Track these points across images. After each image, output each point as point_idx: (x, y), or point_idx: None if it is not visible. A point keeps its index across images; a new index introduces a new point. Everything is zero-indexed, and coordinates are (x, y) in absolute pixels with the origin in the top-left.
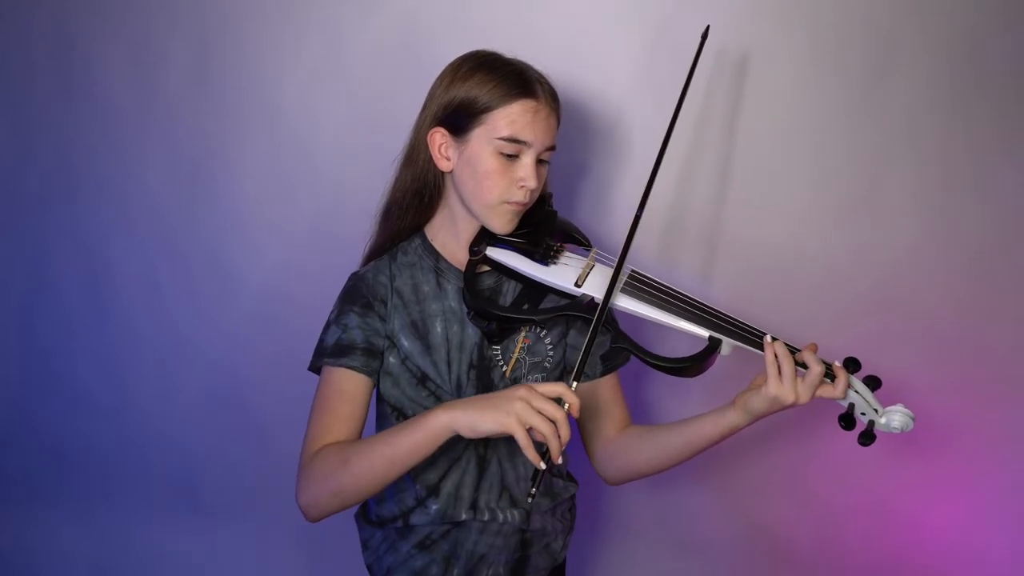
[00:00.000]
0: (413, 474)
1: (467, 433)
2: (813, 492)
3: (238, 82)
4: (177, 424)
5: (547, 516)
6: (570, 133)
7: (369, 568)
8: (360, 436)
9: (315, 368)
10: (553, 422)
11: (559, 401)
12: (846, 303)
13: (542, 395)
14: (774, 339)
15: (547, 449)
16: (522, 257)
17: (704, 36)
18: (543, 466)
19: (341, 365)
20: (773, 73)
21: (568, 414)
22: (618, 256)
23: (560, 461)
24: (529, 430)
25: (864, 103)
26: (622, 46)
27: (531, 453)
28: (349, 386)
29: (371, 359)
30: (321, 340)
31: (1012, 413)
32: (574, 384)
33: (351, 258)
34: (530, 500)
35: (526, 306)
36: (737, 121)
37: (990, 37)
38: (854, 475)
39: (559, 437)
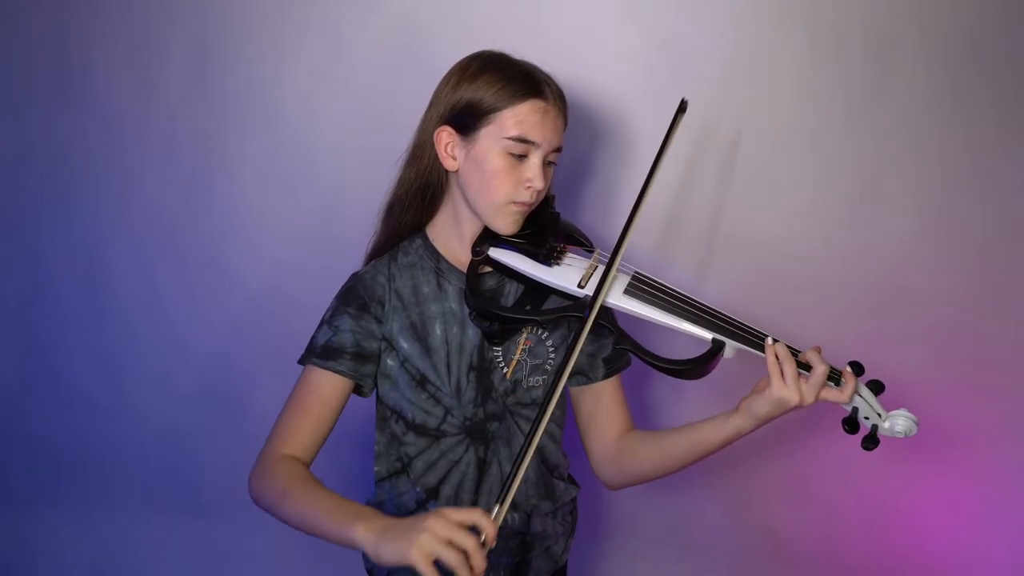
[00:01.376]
0: (413, 477)
1: (371, 556)
2: (814, 493)
3: (238, 82)
4: (175, 424)
5: (548, 519)
6: (574, 134)
7: (369, 572)
8: (326, 436)
9: (304, 363)
10: (464, 551)
11: (474, 529)
12: (846, 303)
13: (455, 523)
14: (775, 341)
15: None
16: (525, 258)
17: (681, 109)
18: None
19: (327, 368)
20: (773, 73)
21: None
22: (616, 256)
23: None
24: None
25: (864, 103)
26: (625, 47)
27: None
28: (326, 389)
29: (360, 363)
30: (312, 338)
31: (1012, 413)
32: (496, 509)
33: (351, 258)
34: None
35: (528, 307)
36: (737, 121)
37: (990, 37)
38: (855, 476)
39: (471, 569)
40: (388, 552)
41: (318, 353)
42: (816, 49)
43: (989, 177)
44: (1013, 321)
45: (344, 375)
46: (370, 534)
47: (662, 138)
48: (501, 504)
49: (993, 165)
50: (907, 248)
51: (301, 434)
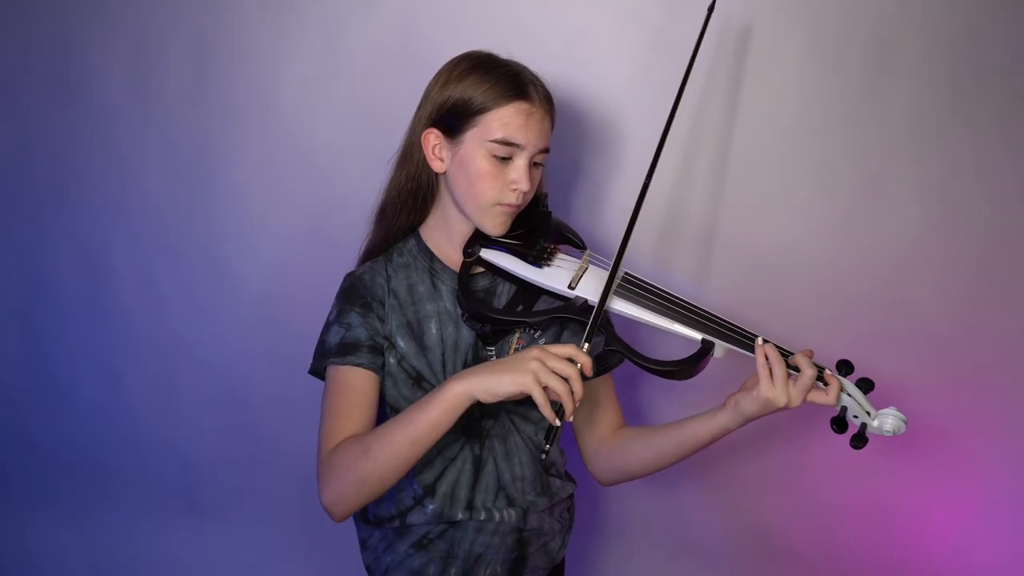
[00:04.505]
0: (413, 473)
1: (486, 398)
2: (811, 491)
3: (237, 83)
4: (174, 424)
5: (544, 515)
6: (565, 132)
7: (368, 568)
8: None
9: (316, 370)
10: (566, 380)
11: (570, 361)
12: (845, 304)
13: (555, 355)
14: (765, 341)
15: (560, 407)
16: (515, 259)
17: (710, 10)
18: (559, 423)
19: (348, 363)
20: (773, 72)
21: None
22: (613, 258)
23: (572, 420)
24: (545, 389)
25: (865, 103)
26: (618, 46)
27: (547, 411)
28: (357, 382)
29: (376, 356)
30: (322, 341)
31: (1012, 414)
32: (585, 346)
33: (348, 258)
34: (544, 456)
35: (520, 308)
36: (736, 121)
37: (991, 37)
38: (852, 475)
39: (572, 395)
40: (504, 384)
41: (335, 352)
42: (816, 48)
43: (991, 178)
44: (1015, 322)
45: (364, 367)
46: (473, 377)
47: (658, 132)
48: (588, 341)
49: (995, 165)
50: (908, 249)
51: (347, 432)
